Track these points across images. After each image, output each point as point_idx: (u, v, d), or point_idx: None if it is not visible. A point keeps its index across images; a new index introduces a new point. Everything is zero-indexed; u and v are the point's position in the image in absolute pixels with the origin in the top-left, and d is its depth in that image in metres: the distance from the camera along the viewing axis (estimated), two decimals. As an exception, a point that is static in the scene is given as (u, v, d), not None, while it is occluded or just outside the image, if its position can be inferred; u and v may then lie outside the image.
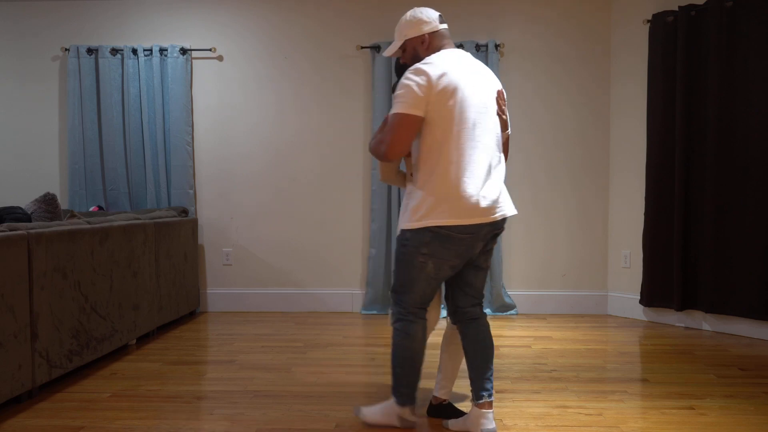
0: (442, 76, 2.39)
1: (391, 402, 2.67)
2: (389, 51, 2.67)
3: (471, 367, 2.61)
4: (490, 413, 2.55)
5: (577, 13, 5.12)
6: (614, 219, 5.12)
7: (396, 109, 2.41)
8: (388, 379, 3.38)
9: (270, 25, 5.26)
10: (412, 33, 2.57)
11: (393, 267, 2.65)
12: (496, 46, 5.04)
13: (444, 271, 2.52)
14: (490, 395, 2.56)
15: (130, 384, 3.33)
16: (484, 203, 2.42)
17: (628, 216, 4.99)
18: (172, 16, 5.27)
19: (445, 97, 2.39)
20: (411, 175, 2.60)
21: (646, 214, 4.77)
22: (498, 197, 2.47)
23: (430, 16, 2.58)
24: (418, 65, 2.45)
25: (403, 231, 2.52)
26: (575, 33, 5.13)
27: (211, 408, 2.98)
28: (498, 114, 2.55)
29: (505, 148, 2.66)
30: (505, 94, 2.64)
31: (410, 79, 2.41)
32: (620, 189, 5.06)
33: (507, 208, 2.53)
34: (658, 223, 4.68)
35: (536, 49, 5.14)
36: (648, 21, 4.74)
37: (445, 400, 2.82)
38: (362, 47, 5.17)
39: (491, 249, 2.63)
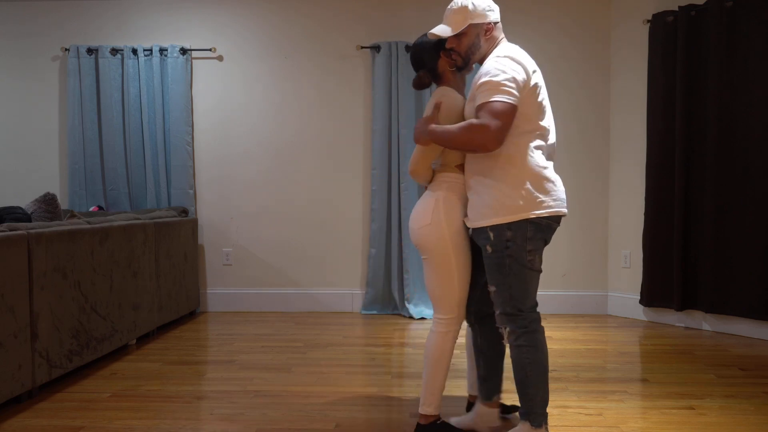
0: (534, 72, 2.35)
1: (524, 427, 2.42)
2: (447, 31, 2.45)
3: (487, 366, 2.60)
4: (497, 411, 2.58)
5: (577, 13, 5.12)
6: (614, 219, 5.12)
7: (503, 97, 2.25)
8: (388, 379, 3.39)
9: (270, 25, 5.26)
10: (479, 18, 2.42)
11: (497, 284, 2.40)
12: (496, 46, 5.03)
13: (540, 264, 2.42)
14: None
15: (130, 384, 3.33)
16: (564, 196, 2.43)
17: (628, 216, 4.99)
18: (172, 16, 5.27)
19: (536, 92, 2.35)
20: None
21: (646, 214, 4.77)
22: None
23: (492, 4, 2.47)
24: (510, 55, 2.34)
25: (502, 229, 2.34)
26: (575, 33, 5.13)
27: (211, 408, 2.98)
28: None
29: None
30: None
31: (509, 67, 2.29)
32: (620, 189, 5.06)
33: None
34: (658, 223, 4.68)
35: (537, 49, 5.12)
36: (648, 21, 4.74)
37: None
38: (362, 47, 5.17)
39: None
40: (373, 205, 5.12)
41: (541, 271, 2.42)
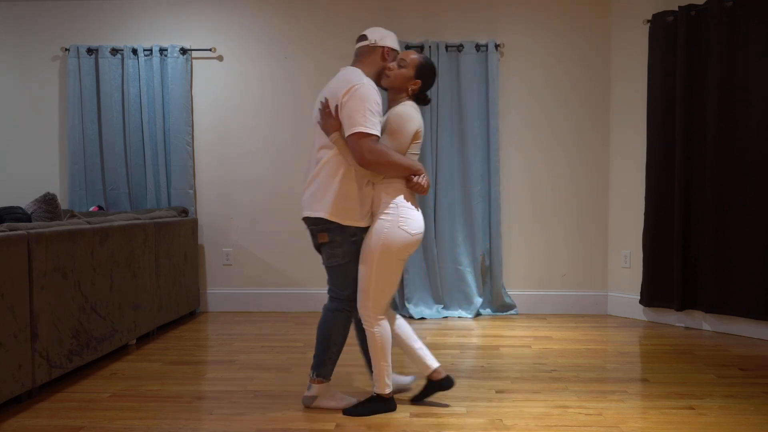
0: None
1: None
2: None
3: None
4: (310, 385, 2.94)
5: (577, 13, 5.12)
6: (614, 219, 5.12)
7: None
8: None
9: (270, 25, 5.26)
10: None
11: None
12: (496, 47, 5.04)
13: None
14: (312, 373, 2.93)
15: (130, 384, 3.33)
16: (302, 200, 2.89)
17: (628, 216, 4.99)
18: (172, 16, 5.27)
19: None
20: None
21: (646, 214, 4.77)
22: (307, 197, 2.85)
23: None
24: None
25: None
26: (575, 33, 5.13)
27: (211, 408, 2.98)
28: (319, 122, 2.83)
29: (352, 148, 2.72)
30: (337, 99, 2.74)
31: None
32: (620, 189, 5.06)
33: (309, 209, 2.84)
34: (658, 223, 4.68)
35: (536, 49, 5.14)
36: (648, 21, 4.74)
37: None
38: (362, 47, 5.16)
39: (321, 248, 2.89)
40: (373, 205, 5.11)
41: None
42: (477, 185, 5.06)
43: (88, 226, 3.54)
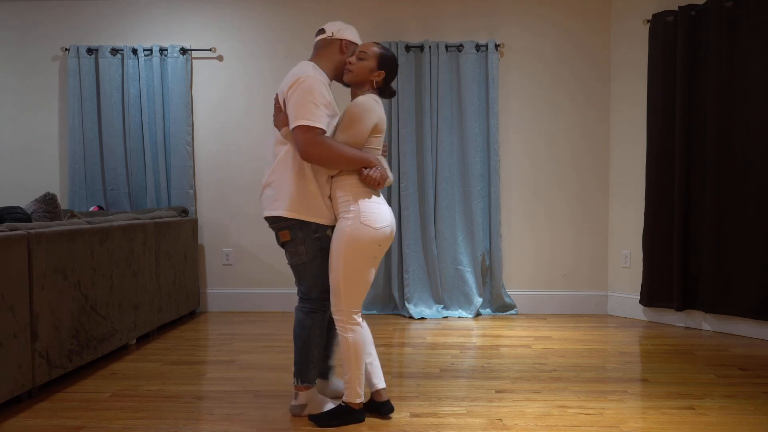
0: None
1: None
2: None
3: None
4: (296, 394, 2.82)
5: (577, 13, 5.12)
6: (614, 219, 5.12)
7: None
8: (388, 379, 3.39)
9: (270, 25, 5.26)
10: None
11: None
12: (496, 46, 5.04)
13: None
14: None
15: (130, 384, 3.33)
16: (261, 199, 2.83)
17: (628, 216, 4.99)
18: (172, 16, 5.27)
19: None
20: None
21: (646, 214, 4.78)
22: (266, 195, 2.77)
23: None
24: None
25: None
26: (575, 34, 5.13)
27: (211, 408, 2.98)
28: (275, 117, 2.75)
29: (295, 142, 2.63)
30: (284, 94, 2.67)
31: None
32: (620, 189, 5.07)
33: (268, 208, 2.75)
34: (658, 223, 4.68)
35: (537, 50, 5.14)
36: (648, 21, 4.74)
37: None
38: (362, 47, 5.16)
39: (284, 246, 2.77)
40: (373, 205, 5.11)
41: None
42: (477, 185, 5.06)
43: (88, 226, 3.54)
